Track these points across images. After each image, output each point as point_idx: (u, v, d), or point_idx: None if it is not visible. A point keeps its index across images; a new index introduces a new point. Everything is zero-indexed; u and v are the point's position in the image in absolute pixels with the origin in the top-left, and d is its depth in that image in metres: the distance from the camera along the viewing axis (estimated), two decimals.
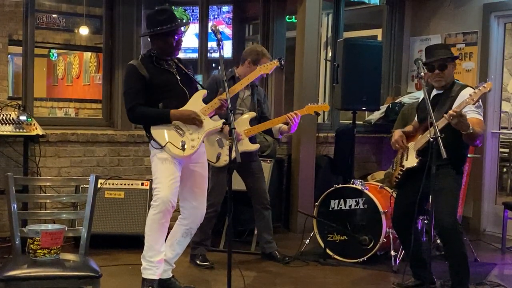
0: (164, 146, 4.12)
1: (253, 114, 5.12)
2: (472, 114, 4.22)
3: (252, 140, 5.14)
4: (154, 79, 4.19)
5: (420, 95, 6.04)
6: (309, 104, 5.21)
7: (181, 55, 10.49)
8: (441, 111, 4.19)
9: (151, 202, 4.17)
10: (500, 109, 7.09)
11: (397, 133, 4.59)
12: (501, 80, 7.06)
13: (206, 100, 4.34)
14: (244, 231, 6.02)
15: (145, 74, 4.17)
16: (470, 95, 3.97)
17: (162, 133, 4.16)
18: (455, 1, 7.17)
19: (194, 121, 4.19)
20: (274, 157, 6.20)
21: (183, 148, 4.13)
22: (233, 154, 3.67)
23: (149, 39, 4.30)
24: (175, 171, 4.16)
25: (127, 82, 4.26)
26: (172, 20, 4.18)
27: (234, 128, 3.77)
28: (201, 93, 4.34)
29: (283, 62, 4.84)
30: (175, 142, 4.14)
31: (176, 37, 4.22)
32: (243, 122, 5.06)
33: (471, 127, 4.04)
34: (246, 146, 5.03)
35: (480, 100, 4.09)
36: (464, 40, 7.06)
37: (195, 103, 4.26)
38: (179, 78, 4.27)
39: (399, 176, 4.56)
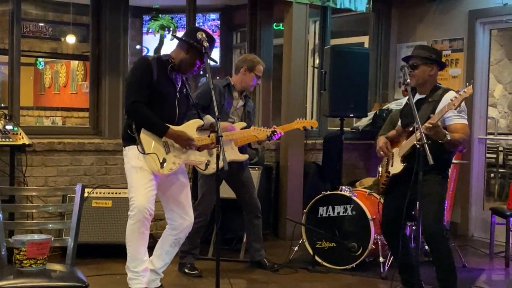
0: (147, 154, 4.08)
1: (244, 124, 5.13)
2: (455, 120, 4.23)
3: (242, 150, 5.14)
4: (158, 85, 4.14)
5: None
6: (298, 119, 5.28)
7: None
8: (424, 116, 4.19)
9: (128, 212, 4.13)
10: (487, 115, 7.13)
11: (381, 140, 4.59)
12: (487, 86, 7.10)
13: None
14: (232, 239, 6.01)
15: (154, 75, 4.12)
16: (451, 100, 3.98)
17: (151, 142, 4.12)
18: (441, 8, 7.22)
19: (187, 143, 4.17)
20: (262, 165, 6.20)
21: (162, 165, 4.11)
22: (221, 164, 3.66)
23: (175, 47, 4.29)
24: (152, 179, 4.12)
25: (136, 73, 4.17)
26: (212, 45, 4.18)
27: (221, 136, 3.76)
28: (197, 122, 4.32)
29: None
30: (159, 156, 4.11)
31: (203, 60, 4.18)
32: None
33: (447, 134, 4.05)
34: (236, 156, 5.02)
35: (463, 103, 4.12)
36: (450, 47, 7.10)
37: (189, 130, 4.24)
38: (178, 96, 4.24)
39: (385, 182, 4.57)
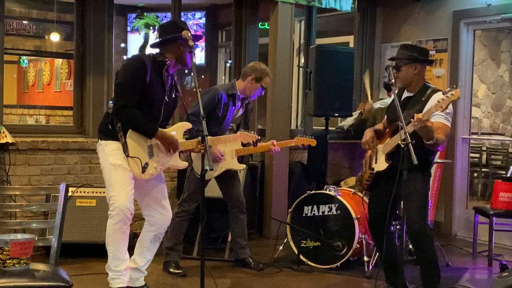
0: (130, 157, 4.06)
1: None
2: (438, 118, 4.20)
3: (239, 159, 5.17)
4: (149, 88, 4.08)
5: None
6: (298, 137, 5.38)
7: None
8: (410, 114, 4.20)
9: (108, 212, 4.09)
10: (470, 114, 7.18)
11: (368, 133, 4.57)
12: (470, 86, 7.14)
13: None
14: (217, 238, 6.00)
15: (147, 77, 4.06)
16: (438, 101, 3.98)
17: (135, 146, 4.10)
18: (425, 8, 7.26)
19: (171, 147, 4.15)
20: (247, 164, 6.19)
21: (143, 170, 4.10)
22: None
23: (158, 49, 4.20)
24: (130, 178, 4.10)
25: (130, 74, 4.08)
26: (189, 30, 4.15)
27: (207, 135, 3.76)
28: (184, 126, 4.32)
29: None
30: (142, 160, 4.09)
31: (195, 46, 4.17)
32: (236, 142, 5.06)
33: (435, 137, 4.06)
34: (235, 165, 5.10)
35: (451, 106, 4.13)
36: (435, 47, 7.14)
37: (177, 133, 4.23)
38: (166, 99, 4.20)
39: (369, 178, 4.57)
